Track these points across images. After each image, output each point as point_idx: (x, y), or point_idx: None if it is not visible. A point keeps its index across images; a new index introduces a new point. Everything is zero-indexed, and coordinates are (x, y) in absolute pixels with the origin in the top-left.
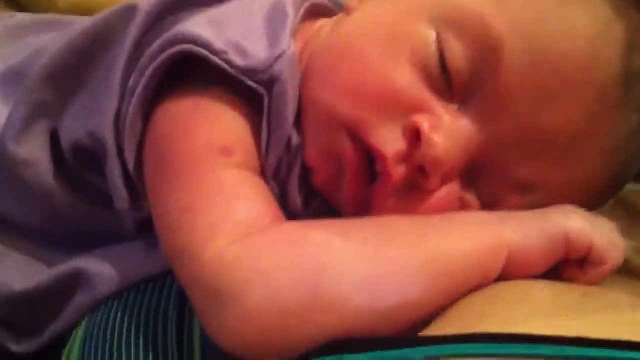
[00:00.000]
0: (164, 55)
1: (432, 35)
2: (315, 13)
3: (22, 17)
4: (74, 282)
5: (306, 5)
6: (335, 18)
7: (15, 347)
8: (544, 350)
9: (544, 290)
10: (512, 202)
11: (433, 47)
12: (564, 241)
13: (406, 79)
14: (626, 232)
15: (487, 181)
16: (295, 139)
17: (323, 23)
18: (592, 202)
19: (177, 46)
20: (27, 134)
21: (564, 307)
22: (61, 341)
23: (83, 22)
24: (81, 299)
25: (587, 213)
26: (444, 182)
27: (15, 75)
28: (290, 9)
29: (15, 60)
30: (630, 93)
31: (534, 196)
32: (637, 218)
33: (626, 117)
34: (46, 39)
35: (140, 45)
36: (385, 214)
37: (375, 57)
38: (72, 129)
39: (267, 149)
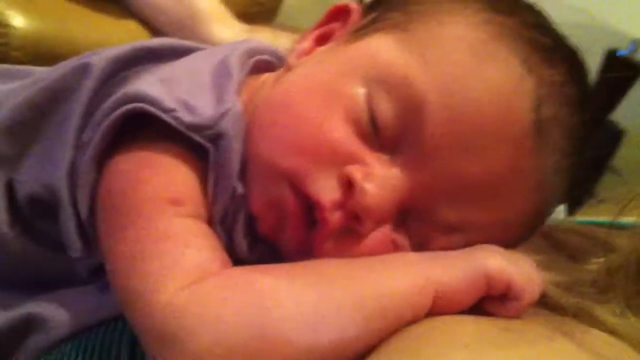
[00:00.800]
0: (118, 112)
1: (363, 93)
2: (260, 68)
3: None
4: (27, 325)
5: (251, 61)
6: (276, 73)
7: None
8: None
9: (467, 326)
10: (440, 242)
11: (363, 105)
12: (485, 279)
13: (340, 133)
14: (546, 264)
15: (417, 223)
16: (240, 189)
17: (266, 77)
18: (515, 239)
19: (129, 104)
20: None
21: (485, 341)
22: None
23: (39, 76)
24: (35, 342)
25: (507, 252)
26: (377, 226)
27: None
28: (234, 68)
29: None
30: (543, 140)
31: (460, 236)
32: (559, 250)
33: (542, 160)
34: (4, 88)
35: (94, 101)
36: (325, 256)
37: (312, 113)
38: (28, 181)
39: (213, 199)
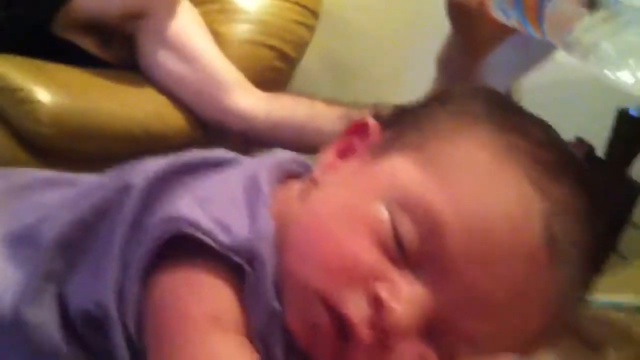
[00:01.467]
0: (160, 236)
1: (386, 214)
2: (286, 178)
3: (23, 174)
4: None
5: (276, 173)
6: (304, 184)
7: None
8: None
9: None
10: (464, 352)
11: (387, 226)
12: None
13: (367, 254)
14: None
15: (442, 337)
16: (277, 306)
17: (294, 187)
18: (536, 343)
19: (169, 226)
20: (38, 300)
21: None
22: None
23: (83, 191)
24: None
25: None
26: (405, 340)
27: (25, 239)
28: (264, 184)
29: (23, 222)
30: (555, 253)
31: (484, 346)
32: (579, 337)
33: (555, 273)
34: (50, 197)
35: (137, 218)
36: None
37: (339, 235)
38: (78, 296)
39: (252, 316)
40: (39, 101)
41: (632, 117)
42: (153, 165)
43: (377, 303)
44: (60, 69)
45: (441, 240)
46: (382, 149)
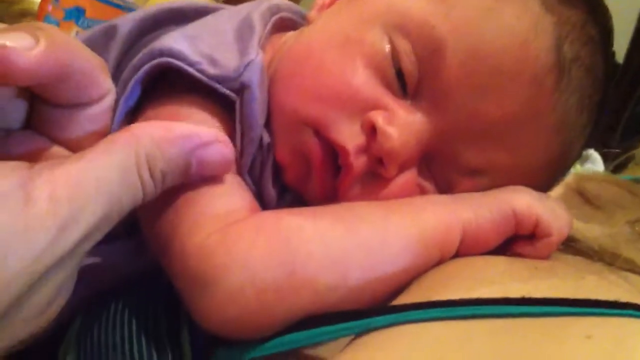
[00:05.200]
0: (146, 68)
1: (385, 40)
2: (283, 27)
3: None
4: None
5: (274, 19)
6: (298, 30)
7: None
8: (488, 310)
9: (498, 266)
10: (465, 185)
11: (385, 51)
12: (513, 217)
13: (361, 79)
14: (579, 217)
15: (440, 168)
16: (266, 139)
17: (289, 35)
18: (541, 181)
19: (156, 59)
20: None
21: (512, 278)
22: (56, 341)
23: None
24: (74, 295)
25: (534, 191)
26: (401, 170)
27: None
28: (257, 23)
29: None
30: (564, 79)
31: (484, 179)
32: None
33: (563, 100)
34: None
35: (121, 62)
36: (351, 201)
37: (333, 61)
38: None
39: (241, 149)
40: None
41: None
42: (141, 11)
43: (371, 129)
44: None
45: (441, 65)
46: None
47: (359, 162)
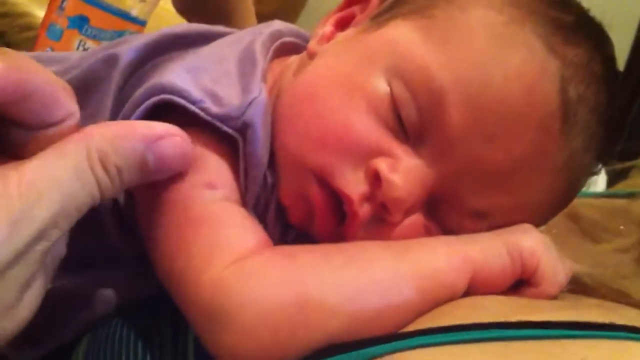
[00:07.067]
0: (148, 103)
1: (384, 85)
2: (284, 51)
3: None
4: (73, 299)
5: (275, 44)
6: (300, 57)
7: (15, 357)
8: (490, 334)
9: (499, 300)
10: (470, 227)
11: (386, 97)
12: (520, 259)
13: (364, 126)
14: (563, 241)
15: (445, 210)
16: (270, 178)
17: (291, 61)
18: (545, 217)
19: (158, 95)
20: None
21: (512, 307)
22: (63, 353)
23: (72, 64)
24: (81, 317)
25: (542, 235)
26: (407, 214)
27: None
28: (259, 56)
29: None
30: (570, 121)
31: (489, 221)
32: (575, 223)
33: (569, 142)
34: None
35: (123, 92)
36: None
37: (336, 106)
38: None
39: (245, 187)
40: None
41: None
42: (142, 36)
43: (375, 177)
44: None
45: (443, 112)
46: (383, 17)
47: (364, 210)
